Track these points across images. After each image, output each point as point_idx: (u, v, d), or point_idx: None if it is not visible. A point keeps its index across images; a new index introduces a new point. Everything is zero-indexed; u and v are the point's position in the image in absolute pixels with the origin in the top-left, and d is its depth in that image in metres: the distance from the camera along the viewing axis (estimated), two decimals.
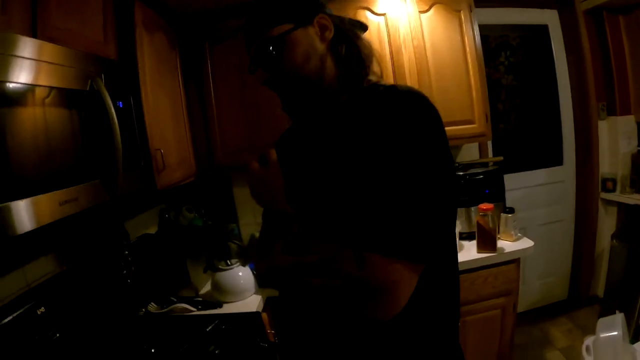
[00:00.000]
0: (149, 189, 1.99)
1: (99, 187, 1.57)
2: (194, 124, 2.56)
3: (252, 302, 2.20)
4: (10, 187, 1.18)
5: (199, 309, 2.13)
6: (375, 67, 1.19)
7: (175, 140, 2.30)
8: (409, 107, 0.98)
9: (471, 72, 2.61)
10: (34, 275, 1.80)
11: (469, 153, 3.19)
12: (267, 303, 2.27)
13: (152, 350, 1.84)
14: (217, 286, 2.20)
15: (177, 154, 2.27)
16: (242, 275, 2.22)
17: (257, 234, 2.79)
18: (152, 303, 2.18)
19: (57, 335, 1.71)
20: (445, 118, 1.00)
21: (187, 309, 2.13)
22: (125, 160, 1.61)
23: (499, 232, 2.46)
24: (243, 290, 2.21)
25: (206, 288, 2.41)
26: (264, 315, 2.20)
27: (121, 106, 1.78)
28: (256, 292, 2.28)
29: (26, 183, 1.24)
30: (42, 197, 1.29)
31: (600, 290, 3.55)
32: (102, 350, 1.85)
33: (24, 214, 1.22)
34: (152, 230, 2.65)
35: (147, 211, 2.68)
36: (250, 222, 2.96)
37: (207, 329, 1.93)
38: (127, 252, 2.15)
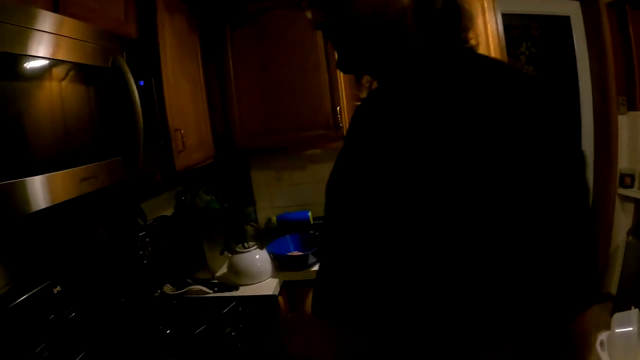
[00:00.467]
0: (167, 169, 1.96)
1: (119, 165, 1.53)
2: (213, 106, 2.52)
3: (268, 285, 2.16)
4: (25, 163, 1.14)
5: (215, 291, 2.09)
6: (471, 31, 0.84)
7: (195, 121, 2.25)
8: (558, 110, 0.68)
9: None
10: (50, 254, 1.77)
11: None
12: (283, 286, 2.23)
13: (168, 332, 1.81)
14: (233, 269, 2.17)
15: (196, 136, 2.23)
16: (258, 258, 2.18)
17: (273, 218, 2.75)
18: (167, 284, 2.15)
19: (73, 314, 1.69)
20: None
21: (203, 290, 2.10)
22: (145, 140, 1.57)
23: None
24: (259, 273, 2.17)
25: (222, 270, 2.38)
26: (280, 299, 2.16)
27: (142, 85, 1.74)
28: (273, 276, 2.24)
29: (43, 160, 1.20)
30: (59, 174, 1.25)
31: (613, 288, 3.46)
32: (117, 330, 1.82)
33: (40, 190, 1.18)
34: (169, 212, 2.61)
35: (164, 193, 2.65)
36: (267, 206, 2.92)
37: (224, 311, 1.90)
38: (143, 233, 2.12)
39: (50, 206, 1.22)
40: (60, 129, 1.28)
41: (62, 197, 1.26)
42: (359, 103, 0.93)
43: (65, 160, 1.28)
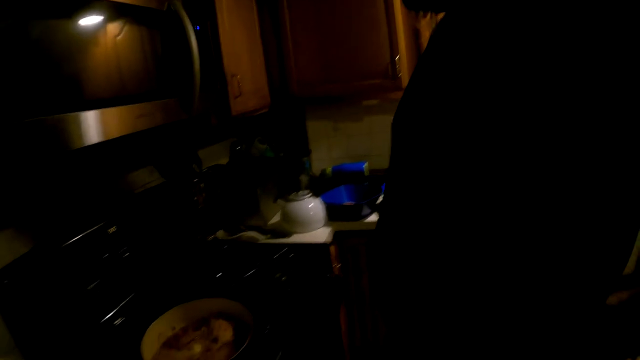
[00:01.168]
0: (223, 113, 1.91)
1: (175, 105, 1.48)
2: (269, 54, 2.43)
3: (321, 234, 2.10)
4: (79, 99, 1.11)
5: (267, 238, 2.06)
6: None
7: (250, 68, 2.18)
8: None
9: None
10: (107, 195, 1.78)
11: None
12: (336, 236, 2.17)
13: (218, 275, 1.79)
14: (286, 217, 2.12)
15: (251, 83, 2.16)
16: (312, 206, 2.12)
17: (328, 169, 2.68)
18: (220, 230, 2.14)
19: (127, 254, 1.69)
20: None
21: (255, 237, 2.07)
22: (201, 83, 1.51)
23: None
24: (312, 221, 2.12)
25: (275, 218, 2.35)
26: (332, 249, 2.10)
27: (198, 29, 1.67)
28: (325, 225, 2.18)
29: (97, 97, 1.17)
30: (113, 110, 1.22)
31: None
32: (169, 271, 1.83)
33: (93, 125, 1.15)
34: (223, 161, 2.59)
35: (218, 143, 2.62)
36: (322, 156, 2.85)
37: (274, 257, 1.86)
38: (198, 179, 2.10)
39: (107, 143, 1.19)
40: (115, 69, 1.24)
41: (115, 133, 1.23)
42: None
43: (120, 99, 1.25)
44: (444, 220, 0.71)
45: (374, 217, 2.18)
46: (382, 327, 2.42)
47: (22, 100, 0.98)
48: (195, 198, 2.08)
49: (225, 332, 1.37)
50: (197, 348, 1.34)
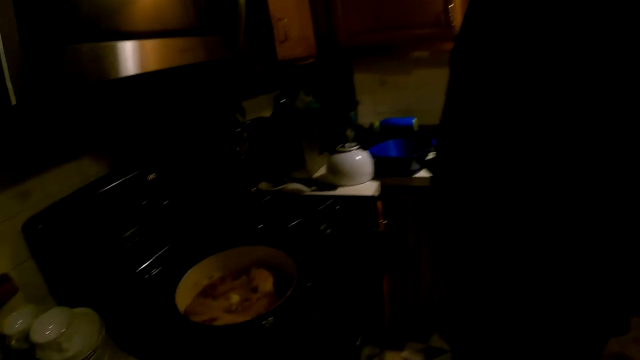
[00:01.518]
0: (268, 59, 1.78)
1: (219, 43, 1.37)
2: (316, 3, 2.27)
3: (367, 188, 1.98)
4: (116, 30, 1.01)
5: (312, 190, 1.96)
6: None
7: (297, 14, 2.03)
8: None
9: None
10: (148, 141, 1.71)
11: None
12: (383, 191, 2.04)
13: (259, 226, 1.71)
14: (332, 168, 2.00)
15: (298, 29, 2.01)
16: (359, 159, 1.99)
17: (376, 123, 2.53)
18: (263, 182, 2.04)
19: (166, 202, 1.62)
20: None
21: (299, 189, 1.97)
22: (246, 23, 1.39)
23: None
24: (359, 174, 1.99)
25: (321, 171, 2.23)
26: (378, 204, 1.98)
27: None
28: (373, 179, 2.06)
29: (137, 30, 1.07)
30: (153, 42, 1.11)
31: None
32: (208, 222, 1.76)
33: (131, 55, 1.04)
34: (266, 114, 2.48)
35: (262, 95, 2.50)
36: (369, 110, 2.70)
37: (319, 208, 1.76)
38: (241, 129, 2.00)
39: (149, 79, 1.10)
40: (155, 3, 1.13)
41: (155, 66, 1.12)
42: None
43: (159, 32, 1.14)
44: (504, 175, 0.69)
45: (423, 173, 2.04)
46: (424, 288, 2.31)
47: (62, 26, 0.90)
48: (238, 148, 1.99)
49: (265, 282, 1.29)
50: (235, 298, 1.27)
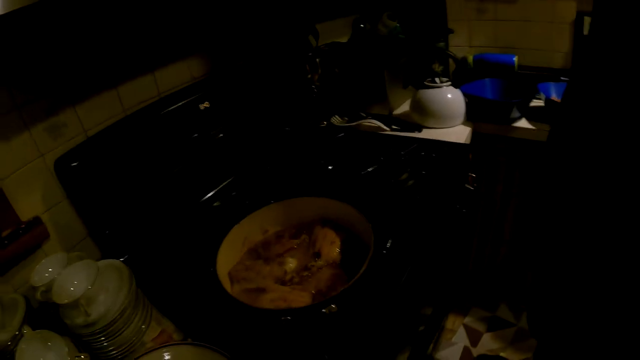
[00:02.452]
0: None
1: None
2: None
3: (458, 133, 1.56)
4: None
5: (392, 129, 1.57)
6: None
7: None
8: None
9: None
10: (198, 70, 1.35)
11: None
12: (474, 138, 1.62)
13: (330, 167, 1.36)
14: (418, 106, 1.59)
15: None
16: (451, 97, 1.56)
17: (470, 58, 2.05)
18: (336, 115, 1.66)
19: (220, 135, 1.29)
20: None
21: (378, 126, 1.58)
22: None
23: None
24: (450, 115, 1.57)
25: (403, 108, 1.80)
26: (470, 156, 1.57)
27: None
28: (464, 123, 1.63)
29: None
30: None
31: None
32: (270, 159, 1.42)
33: None
34: (344, 39, 2.05)
35: (339, 18, 2.06)
36: (462, 42, 2.20)
37: (402, 152, 1.37)
38: (313, 53, 1.60)
39: None
40: None
41: None
42: None
43: None
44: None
45: (524, 123, 1.59)
46: (502, 252, 1.92)
47: None
48: (309, 75, 1.61)
49: (331, 246, 0.95)
50: (291, 263, 0.95)
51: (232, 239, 0.95)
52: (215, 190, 1.26)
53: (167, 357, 0.82)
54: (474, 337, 2.04)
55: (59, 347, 0.83)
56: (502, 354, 1.96)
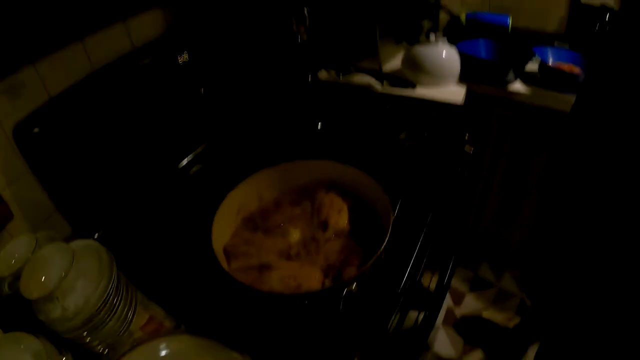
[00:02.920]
0: None
1: None
2: None
3: (453, 92, 1.44)
4: None
5: (384, 87, 1.44)
6: None
7: None
8: None
9: None
10: (176, 18, 1.18)
11: None
12: (468, 99, 1.51)
13: (318, 126, 1.23)
14: (412, 62, 1.45)
15: None
16: (446, 55, 1.43)
17: (462, 16, 1.91)
18: (323, 69, 1.51)
19: (202, 90, 1.14)
20: None
21: (369, 82, 1.45)
22: None
23: None
24: (444, 73, 1.44)
25: (395, 63, 1.64)
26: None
27: None
28: (459, 83, 1.51)
29: None
30: None
31: None
32: (254, 117, 1.27)
33: None
34: None
35: None
36: (454, 0, 2.04)
37: (396, 112, 1.25)
38: (300, 3, 1.43)
39: None
40: None
41: None
42: None
43: None
44: None
45: (518, 86, 1.49)
46: (486, 216, 1.87)
47: None
48: (296, 28, 1.44)
49: (339, 215, 0.83)
50: (295, 234, 0.82)
51: (226, 208, 0.82)
52: (195, 153, 1.11)
53: (163, 353, 0.70)
54: (457, 298, 2.02)
55: (34, 350, 0.70)
56: (484, 314, 1.95)
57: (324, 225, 0.82)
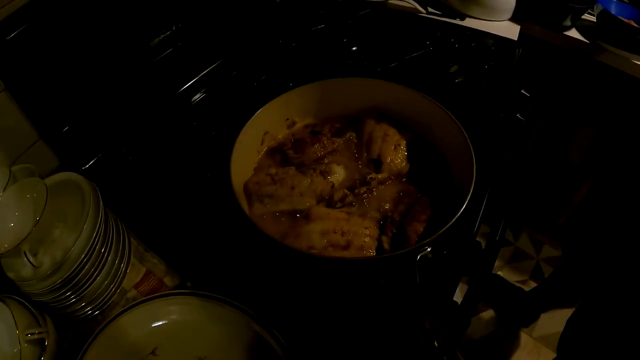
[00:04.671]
0: None
1: None
2: None
3: (506, 28, 1.16)
4: None
5: (429, 13, 1.16)
6: None
7: None
8: None
9: None
10: None
11: None
12: (522, 37, 1.23)
13: (354, 48, 0.96)
14: None
15: None
16: None
17: None
18: None
19: None
20: None
21: (411, 6, 1.15)
22: None
23: None
24: (499, 6, 1.15)
25: None
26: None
27: None
28: (512, 18, 1.23)
29: None
30: None
31: None
32: (276, 32, 1.00)
33: None
34: None
35: None
36: None
37: (452, 39, 0.99)
38: None
39: None
40: None
41: None
42: None
43: None
44: None
45: (574, 33, 1.21)
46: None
47: None
48: None
49: (395, 152, 0.59)
50: (338, 174, 0.58)
51: (248, 134, 0.57)
52: (208, 69, 0.86)
53: (163, 320, 0.49)
54: None
55: (4, 320, 0.50)
56: (499, 273, 1.78)
57: (377, 164, 0.59)
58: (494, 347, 1.60)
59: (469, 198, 0.48)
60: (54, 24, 0.66)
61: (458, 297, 0.66)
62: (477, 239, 0.68)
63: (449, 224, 0.45)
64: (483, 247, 0.70)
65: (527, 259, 1.84)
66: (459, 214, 0.46)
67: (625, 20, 1.23)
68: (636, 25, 1.19)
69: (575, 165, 1.50)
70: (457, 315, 0.60)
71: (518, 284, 1.71)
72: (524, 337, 1.61)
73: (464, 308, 0.67)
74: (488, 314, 1.67)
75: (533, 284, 1.67)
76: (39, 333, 0.50)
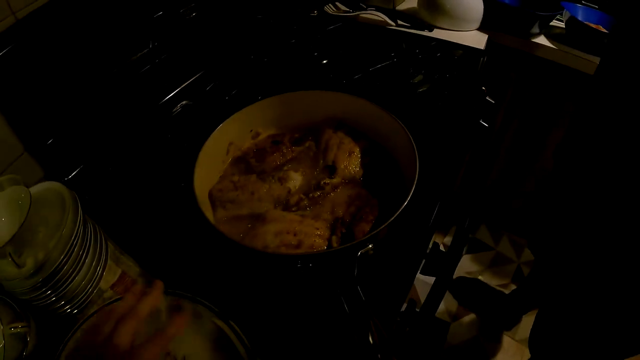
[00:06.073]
0: None
1: None
2: None
3: (474, 38, 1.23)
4: None
5: (397, 25, 1.23)
6: None
7: None
8: None
9: None
10: None
11: None
12: (490, 46, 1.30)
13: (324, 61, 1.03)
14: (430, 2, 1.24)
15: None
16: None
17: None
18: (330, 4, 1.28)
19: (193, 14, 0.94)
20: None
21: (380, 19, 1.23)
22: None
23: None
24: (466, 17, 1.23)
25: (408, 4, 1.39)
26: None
27: None
28: (480, 28, 1.29)
29: None
30: None
31: None
32: (250, 47, 1.06)
33: None
34: None
35: None
36: None
37: (417, 50, 1.05)
38: None
39: None
40: None
41: None
42: None
43: None
44: None
45: (542, 40, 1.28)
46: (492, 176, 1.70)
47: None
48: None
49: (349, 158, 0.66)
50: (296, 180, 0.65)
51: (213, 145, 0.64)
52: (185, 84, 0.92)
53: None
54: None
55: None
56: (480, 277, 1.81)
57: (331, 170, 0.64)
58: (477, 351, 1.63)
59: (409, 197, 0.54)
60: (39, 43, 0.71)
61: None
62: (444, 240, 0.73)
63: (388, 222, 0.51)
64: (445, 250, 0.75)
65: (508, 262, 1.87)
66: (399, 212, 0.52)
67: (593, 25, 1.30)
68: (604, 30, 1.25)
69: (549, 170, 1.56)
70: (413, 315, 0.66)
71: (500, 288, 1.74)
72: (506, 340, 1.64)
73: (425, 307, 0.72)
74: (469, 317, 1.71)
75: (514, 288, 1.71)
76: (22, 327, 0.55)
